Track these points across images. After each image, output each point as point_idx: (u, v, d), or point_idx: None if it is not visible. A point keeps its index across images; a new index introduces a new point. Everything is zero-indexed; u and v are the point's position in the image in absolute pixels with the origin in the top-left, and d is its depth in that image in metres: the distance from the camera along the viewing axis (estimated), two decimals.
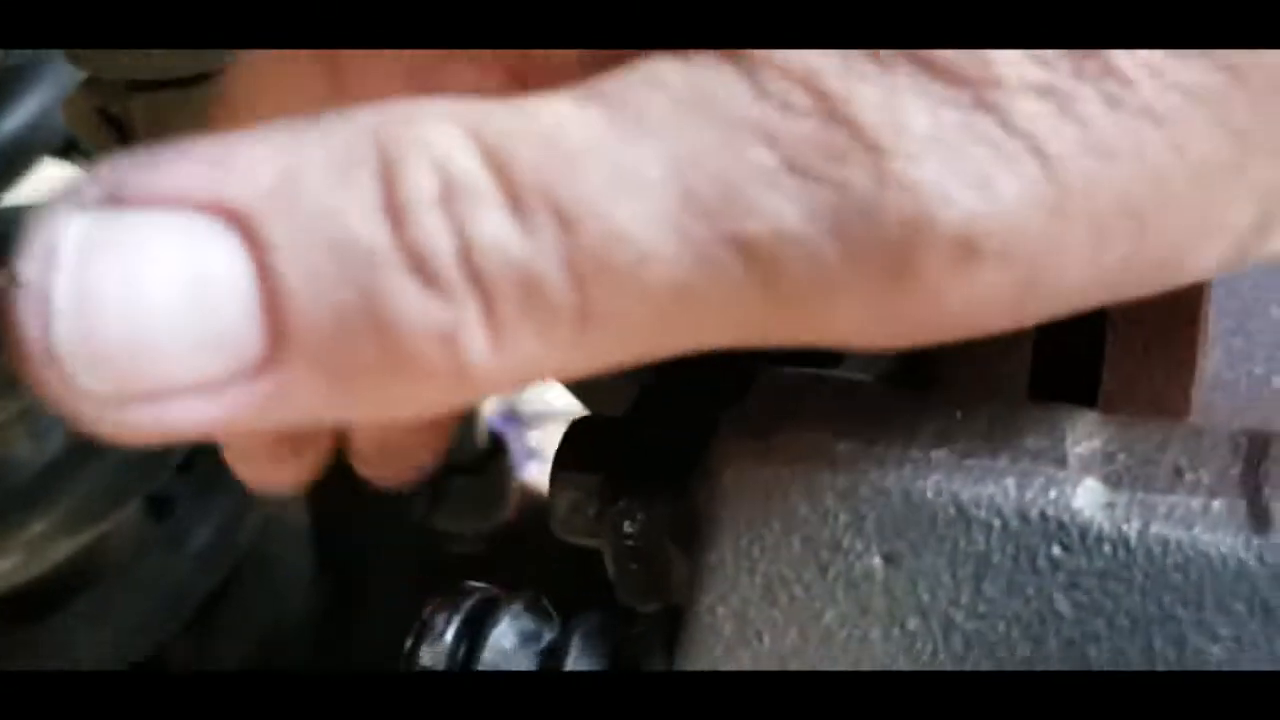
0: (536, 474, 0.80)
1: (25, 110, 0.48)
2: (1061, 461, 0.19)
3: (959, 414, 0.20)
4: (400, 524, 0.67)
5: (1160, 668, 0.18)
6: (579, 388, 0.40)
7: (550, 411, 1.54)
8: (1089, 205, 0.16)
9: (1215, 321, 0.23)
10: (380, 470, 0.28)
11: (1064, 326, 0.21)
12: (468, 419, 0.65)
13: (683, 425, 0.29)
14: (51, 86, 0.49)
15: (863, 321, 0.16)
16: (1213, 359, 0.27)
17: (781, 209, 0.15)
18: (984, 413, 0.20)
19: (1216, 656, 0.17)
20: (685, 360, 0.32)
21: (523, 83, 0.19)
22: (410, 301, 0.15)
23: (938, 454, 0.19)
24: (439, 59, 0.20)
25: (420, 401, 0.17)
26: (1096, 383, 0.22)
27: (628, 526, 0.29)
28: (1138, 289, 0.17)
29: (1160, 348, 0.22)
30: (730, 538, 0.20)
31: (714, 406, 0.26)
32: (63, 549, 0.53)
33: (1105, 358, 0.22)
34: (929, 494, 0.19)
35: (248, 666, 0.63)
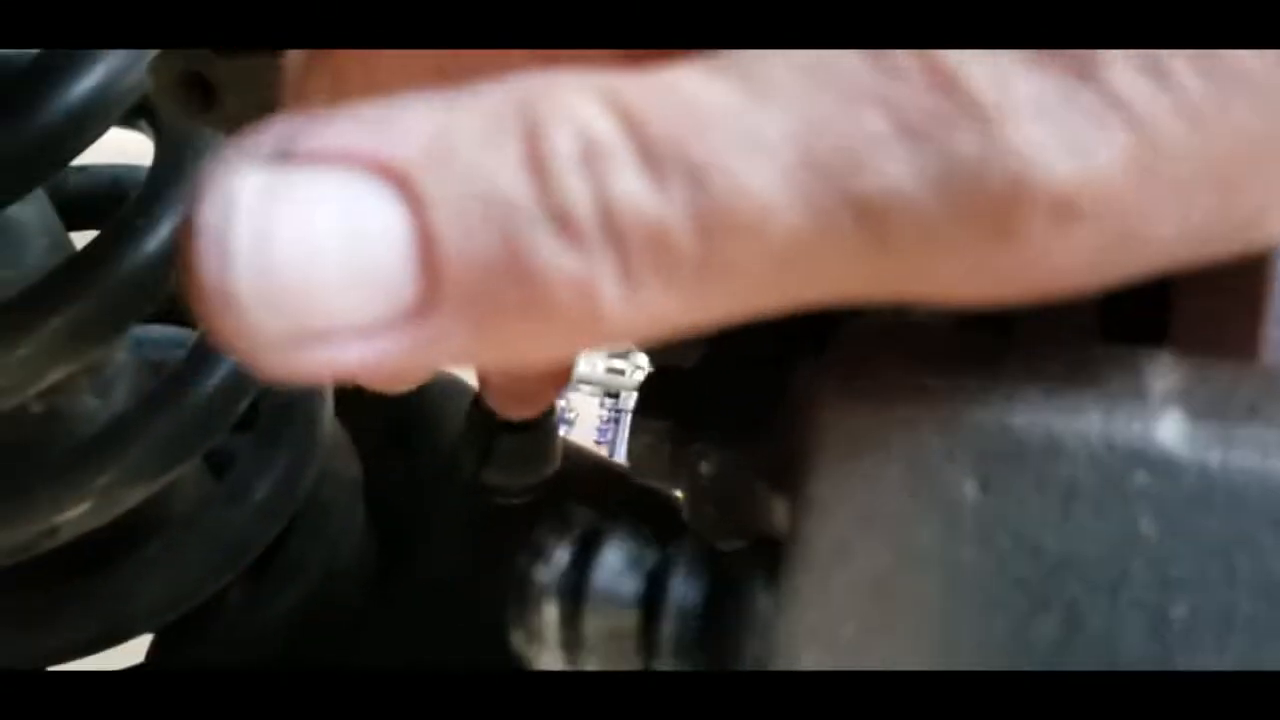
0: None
1: (95, 76, 0.50)
2: (1143, 396, 0.20)
3: (1038, 356, 0.21)
4: (449, 478, 0.68)
5: (1240, 587, 0.19)
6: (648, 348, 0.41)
7: (581, 377, 1.56)
8: (1178, 168, 0.17)
9: None
10: (511, 407, 0.32)
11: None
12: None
13: (752, 374, 0.30)
14: (119, 54, 0.50)
15: (964, 277, 0.18)
16: None
17: (894, 170, 0.17)
18: (1063, 354, 0.21)
19: None
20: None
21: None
22: (551, 253, 0.17)
23: (1026, 388, 0.20)
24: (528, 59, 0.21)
25: (555, 346, 0.18)
26: (1166, 325, 0.23)
27: (704, 467, 0.30)
28: (1223, 248, 0.19)
29: (1229, 290, 0.23)
30: (828, 472, 0.21)
31: (783, 356, 0.28)
32: (130, 499, 0.55)
33: (1174, 301, 0.23)
34: (1020, 426, 0.20)
35: (299, 615, 0.65)
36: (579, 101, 0.17)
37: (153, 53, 0.51)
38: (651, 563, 0.23)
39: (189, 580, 0.59)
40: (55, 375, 0.52)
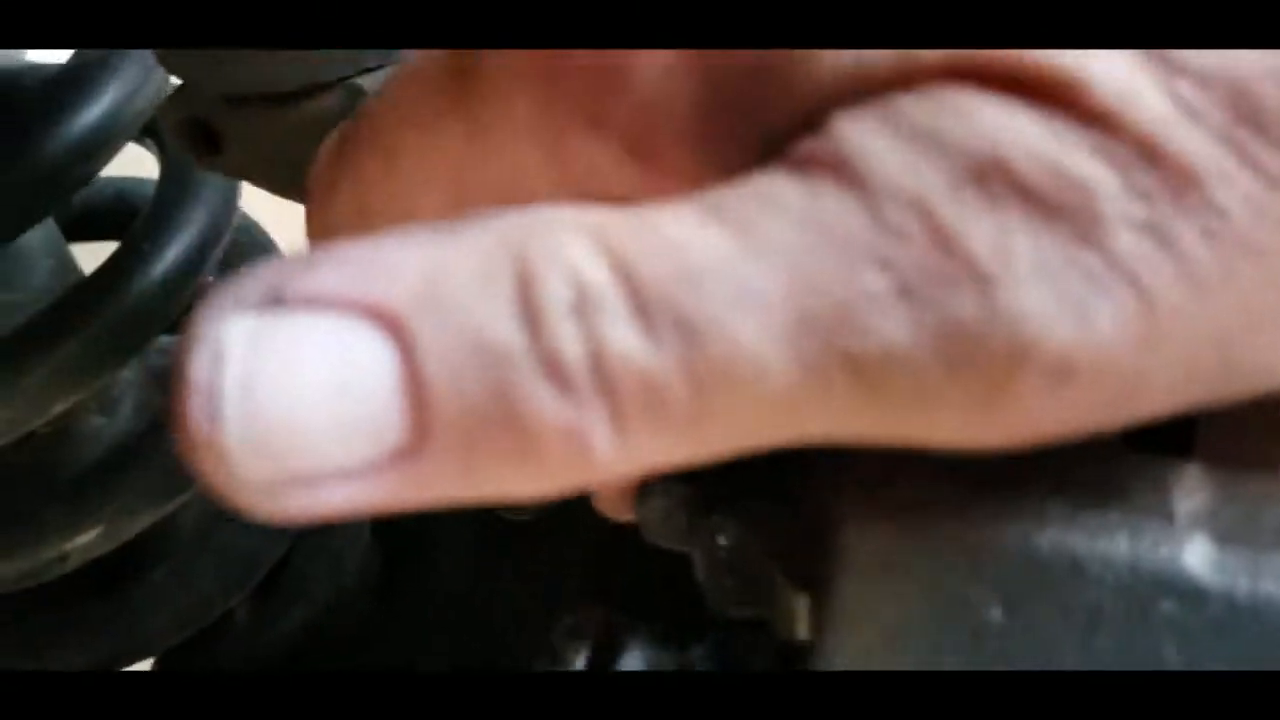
0: None
1: (110, 96, 0.50)
2: (1170, 517, 0.20)
3: (1065, 464, 0.21)
4: None
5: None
6: None
7: None
8: (1180, 334, 0.17)
9: None
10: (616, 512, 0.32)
11: None
12: None
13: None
14: (133, 73, 0.50)
15: (958, 431, 0.18)
16: None
17: (891, 329, 0.17)
18: (1090, 464, 0.21)
19: None
20: None
21: (636, 154, 0.20)
22: (543, 401, 0.17)
23: (1051, 507, 0.20)
24: (563, 129, 0.21)
25: (545, 487, 0.18)
26: (1191, 435, 0.23)
27: (722, 539, 0.30)
28: (1227, 398, 0.19)
29: (1255, 402, 0.23)
30: (853, 588, 0.21)
31: None
32: (141, 523, 0.55)
33: (1196, 418, 0.23)
34: (1045, 548, 0.20)
35: (307, 630, 0.65)
36: (571, 245, 0.17)
37: (160, 75, 0.51)
38: (672, 669, 0.23)
39: (199, 601, 0.59)
40: (63, 405, 0.52)
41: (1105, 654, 0.20)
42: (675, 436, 0.17)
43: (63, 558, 0.53)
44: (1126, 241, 0.16)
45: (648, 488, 0.33)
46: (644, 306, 0.17)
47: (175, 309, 0.55)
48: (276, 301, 0.17)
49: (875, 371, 0.17)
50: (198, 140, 0.36)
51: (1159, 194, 0.16)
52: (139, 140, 0.60)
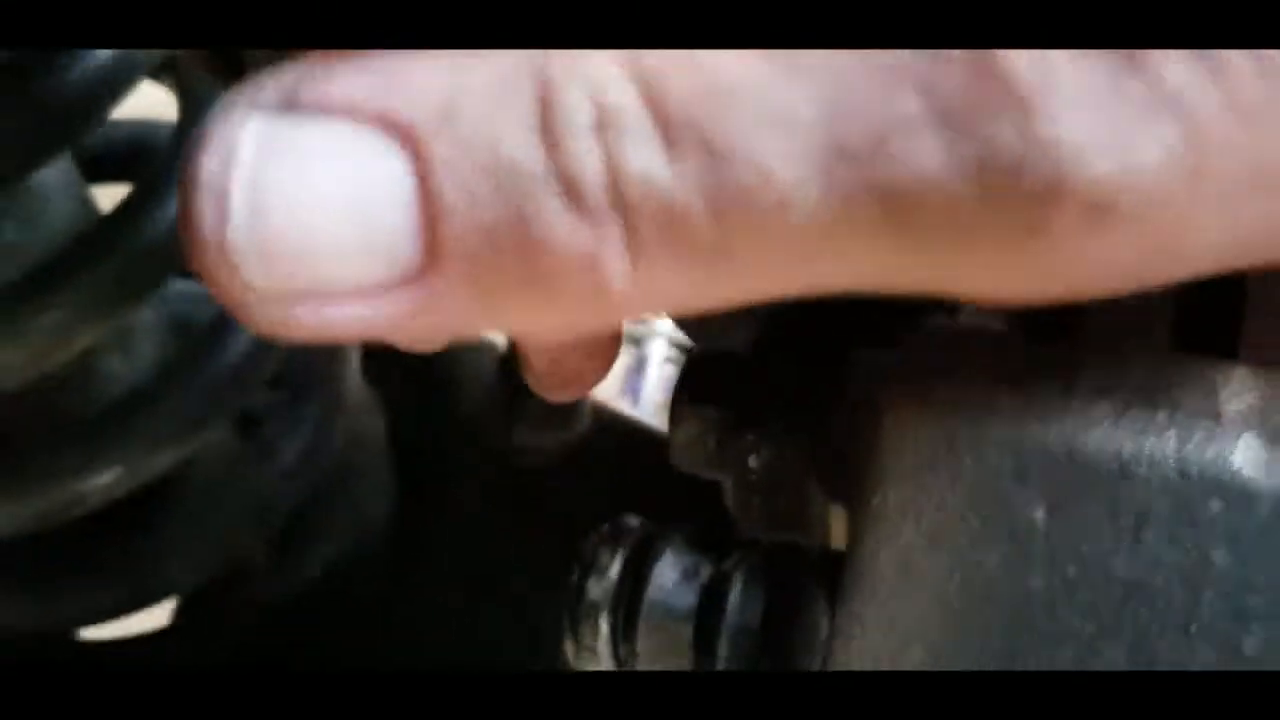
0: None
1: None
2: (1218, 417, 0.19)
3: (1110, 368, 0.21)
4: (476, 438, 0.68)
5: None
6: (687, 321, 0.40)
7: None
8: (1226, 169, 0.16)
9: None
10: (553, 390, 0.30)
11: (1200, 289, 0.22)
12: None
13: (809, 365, 0.29)
14: None
15: (992, 275, 0.17)
16: None
17: (927, 157, 0.16)
18: (1136, 366, 0.20)
19: None
20: (808, 301, 0.32)
21: None
22: (557, 223, 0.16)
23: (1098, 408, 0.20)
24: None
25: (561, 319, 0.17)
26: (1238, 333, 0.22)
27: (753, 461, 0.30)
28: (1268, 256, 0.18)
29: None
30: (895, 486, 0.20)
31: (839, 346, 0.27)
32: (158, 465, 0.55)
33: (1246, 309, 0.22)
34: (1091, 449, 0.19)
35: (328, 576, 0.65)
36: (597, 65, 0.16)
37: None
38: (707, 575, 0.23)
39: (218, 543, 0.59)
40: (81, 343, 0.52)
41: (1152, 555, 0.19)
42: (695, 269, 0.17)
43: (81, 498, 0.53)
44: (1175, 69, 0.16)
45: (679, 412, 0.32)
46: (668, 125, 0.16)
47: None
48: (291, 105, 0.17)
49: (908, 204, 0.16)
50: (222, 68, 0.36)
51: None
52: (158, 79, 0.60)
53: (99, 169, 0.62)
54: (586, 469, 0.66)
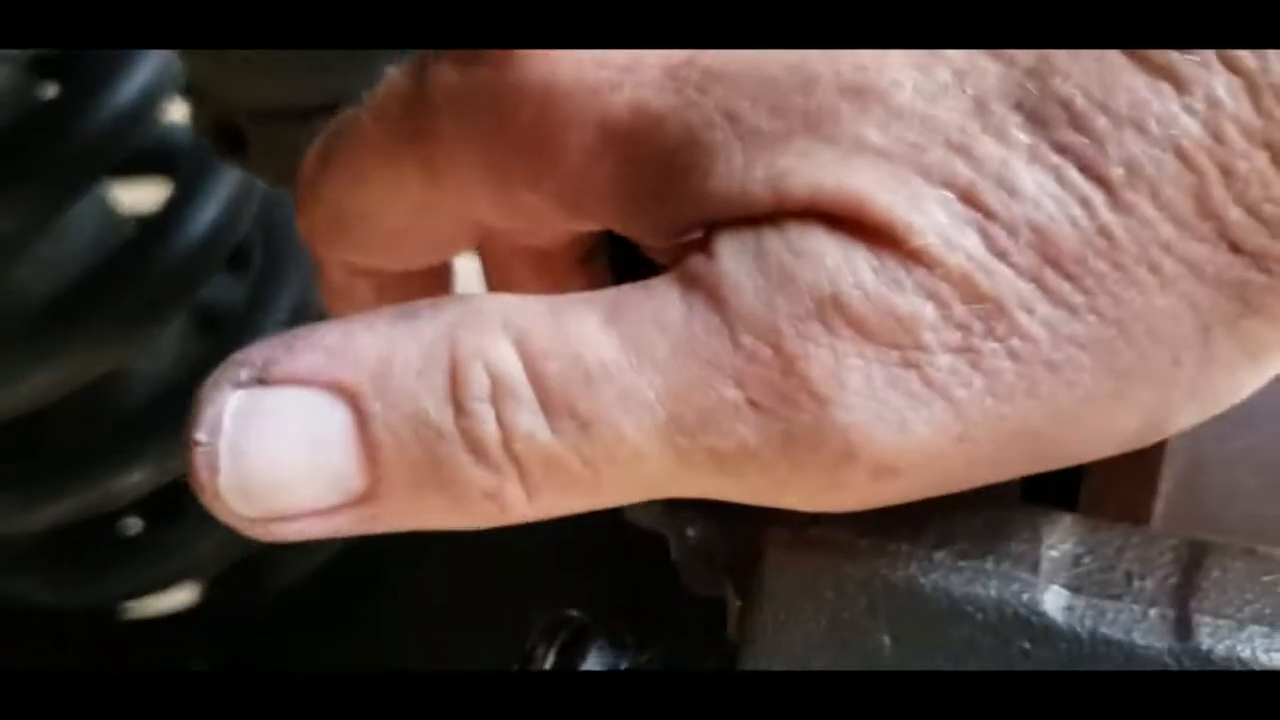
0: None
1: (145, 72, 0.53)
2: (1035, 567, 0.24)
3: (958, 515, 0.25)
4: None
5: None
6: None
7: None
8: (989, 435, 0.21)
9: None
10: None
11: None
12: None
13: None
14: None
15: (804, 506, 0.23)
16: None
17: (744, 434, 0.21)
18: (977, 517, 0.25)
19: None
20: None
21: (570, 208, 0.25)
22: (467, 469, 0.22)
23: (938, 554, 0.24)
24: (506, 183, 0.25)
25: (478, 525, 0.23)
26: (1078, 488, 0.26)
27: (690, 531, 0.34)
28: (1036, 469, 0.23)
29: (1129, 463, 0.26)
30: (771, 610, 0.25)
31: None
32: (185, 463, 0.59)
33: (1084, 469, 0.26)
34: (928, 590, 0.24)
35: (341, 564, 0.70)
36: (493, 342, 0.22)
37: None
38: (626, 668, 0.27)
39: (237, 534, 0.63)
40: (116, 358, 0.56)
41: None
42: (575, 497, 0.22)
43: (115, 496, 0.58)
44: (943, 364, 0.20)
45: None
46: (547, 400, 0.21)
47: (224, 252, 0.58)
48: (262, 381, 0.22)
49: (733, 464, 0.21)
50: (224, 143, 0.40)
51: (972, 323, 0.20)
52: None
53: (127, 167, 0.65)
54: None
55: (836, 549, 0.24)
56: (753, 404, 0.21)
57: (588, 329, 0.22)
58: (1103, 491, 0.26)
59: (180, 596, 0.68)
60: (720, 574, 0.33)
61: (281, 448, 0.22)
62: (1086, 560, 0.24)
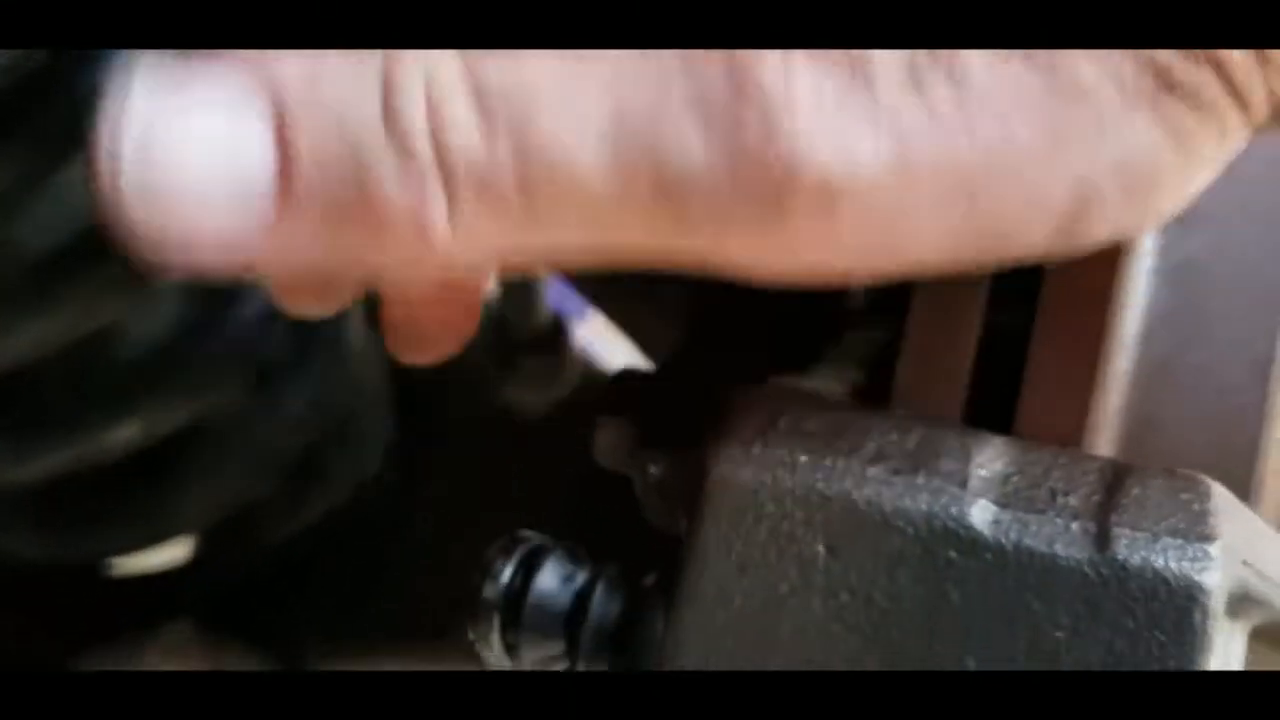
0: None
1: None
2: (964, 483, 0.25)
3: (895, 435, 0.26)
4: (472, 392, 0.73)
5: (1019, 646, 0.24)
6: (628, 326, 0.46)
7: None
8: (929, 171, 0.20)
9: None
10: (410, 351, 0.34)
11: (991, 368, 0.27)
12: (531, 302, 0.71)
13: (699, 395, 0.35)
14: None
15: (748, 253, 0.21)
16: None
17: (691, 149, 0.20)
18: (914, 434, 0.26)
19: (1059, 639, 0.24)
20: (717, 323, 0.38)
21: None
22: (389, 180, 0.20)
23: (872, 470, 0.25)
24: None
25: (394, 259, 0.22)
26: (1013, 412, 0.27)
27: (652, 469, 0.35)
28: (976, 257, 0.22)
29: (1064, 391, 0.27)
30: (713, 525, 0.26)
31: (731, 381, 0.32)
32: (176, 419, 0.60)
33: (1021, 393, 0.27)
34: (861, 504, 0.25)
35: (332, 515, 0.71)
36: (435, 60, 0.20)
37: None
38: (581, 582, 0.28)
39: (228, 488, 0.65)
40: (112, 313, 0.57)
41: (905, 589, 0.25)
42: (505, 225, 0.21)
43: (104, 451, 0.59)
44: (891, 89, 0.20)
45: (600, 421, 0.38)
46: (486, 109, 0.20)
47: None
48: (180, 78, 0.21)
49: (675, 186, 0.20)
50: None
51: (920, 55, 0.20)
52: None
53: None
54: (573, 421, 0.72)
55: (778, 464, 0.26)
56: (701, 116, 0.20)
57: (534, 51, 0.20)
58: (1037, 416, 0.27)
59: (170, 553, 0.69)
60: (677, 507, 0.35)
61: (190, 148, 0.20)
62: (1015, 478, 0.25)
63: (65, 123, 0.54)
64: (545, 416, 0.74)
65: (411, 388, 0.75)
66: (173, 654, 0.61)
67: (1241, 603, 0.25)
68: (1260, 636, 0.28)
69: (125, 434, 0.59)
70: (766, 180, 0.20)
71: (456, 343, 0.36)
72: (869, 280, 0.23)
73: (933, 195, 0.20)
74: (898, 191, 0.20)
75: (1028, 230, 0.22)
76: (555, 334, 0.72)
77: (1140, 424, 0.33)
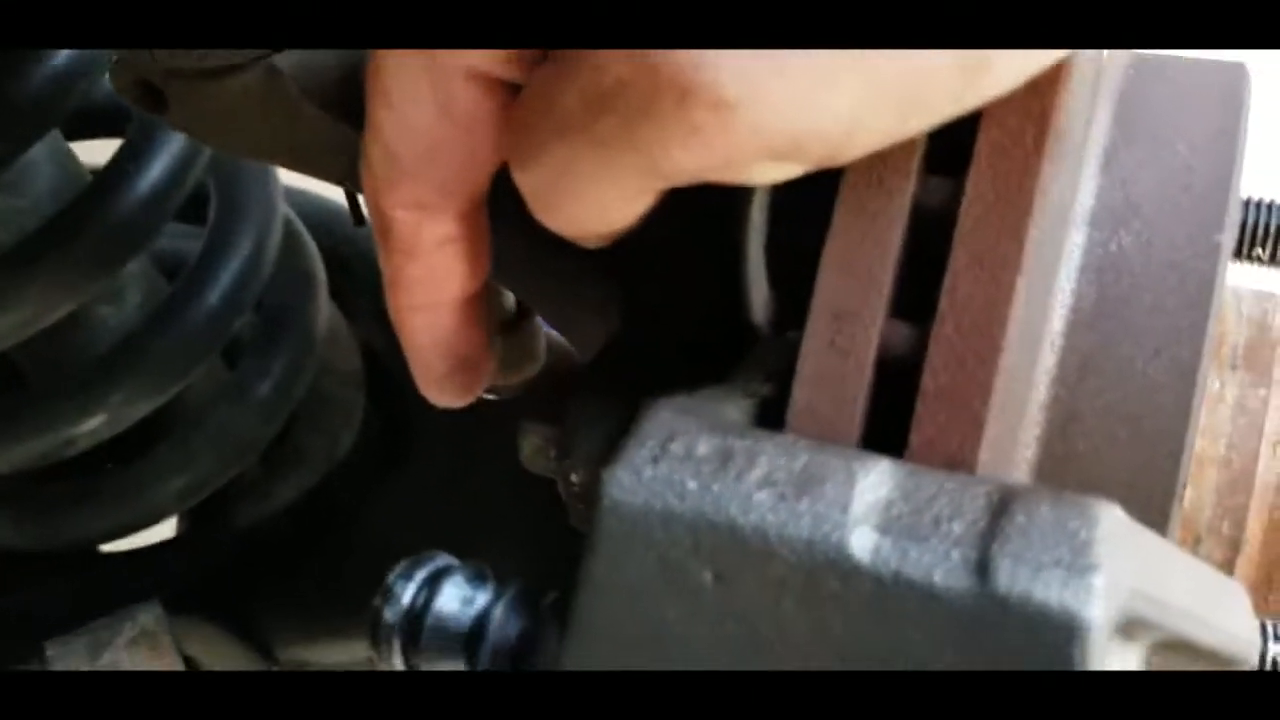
0: None
1: None
2: (846, 509, 0.25)
3: (783, 459, 0.26)
4: None
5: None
6: (565, 329, 0.46)
7: None
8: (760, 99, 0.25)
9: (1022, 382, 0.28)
10: (439, 388, 0.37)
11: (892, 393, 0.27)
12: (494, 288, 0.71)
13: (626, 395, 0.35)
14: None
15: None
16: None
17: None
18: (802, 458, 0.26)
19: (939, 668, 0.23)
20: (640, 328, 0.38)
21: None
22: None
23: (758, 495, 0.25)
24: None
25: None
26: (907, 431, 0.27)
27: (574, 477, 0.35)
28: (833, 155, 0.26)
29: (955, 416, 0.27)
30: (605, 550, 0.26)
31: (657, 379, 0.32)
32: (145, 408, 0.61)
33: (913, 419, 0.27)
34: (747, 530, 0.25)
35: (306, 496, 0.71)
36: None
37: None
38: (482, 603, 0.28)
39: (200, 475, 0.65)
40: (73, 304, 0.57)
41: (789, 617, 0.25)
42: None
43: (70, 442, 0.59)
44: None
45: (525, 426, 0.38)
46: None
47: (178, 202, 0.60)
48: None
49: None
50: (146, 99, 0.41)
51: None
52: None
53: (79, 126, 0.66)
54: (545, 407, 0.72)
55: (667, 489, 0.25)
56: None
57: None
58: (928, 442, 0.27)
59: (149, 536, 0.70)
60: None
61: None
62: (898, 504, 0.25)
63: (14, 117, 0.54)
64: (517, 398, 0.73)
65: (384, 371, 0.75)
66: (144, 637, 0.61)
67: (1134, 627, 0.25)
68: (1171, 647, 0.27)
69: (94, 424, 0.59)
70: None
71: (484, 377, 0.38)
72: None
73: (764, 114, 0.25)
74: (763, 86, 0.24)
75: (816, 136, 0.25)
76: (522, 317, 0.72)
77: (1064, 420, 0.33)
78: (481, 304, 0.36)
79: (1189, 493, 0.39)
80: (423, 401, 0.75)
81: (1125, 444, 0.33)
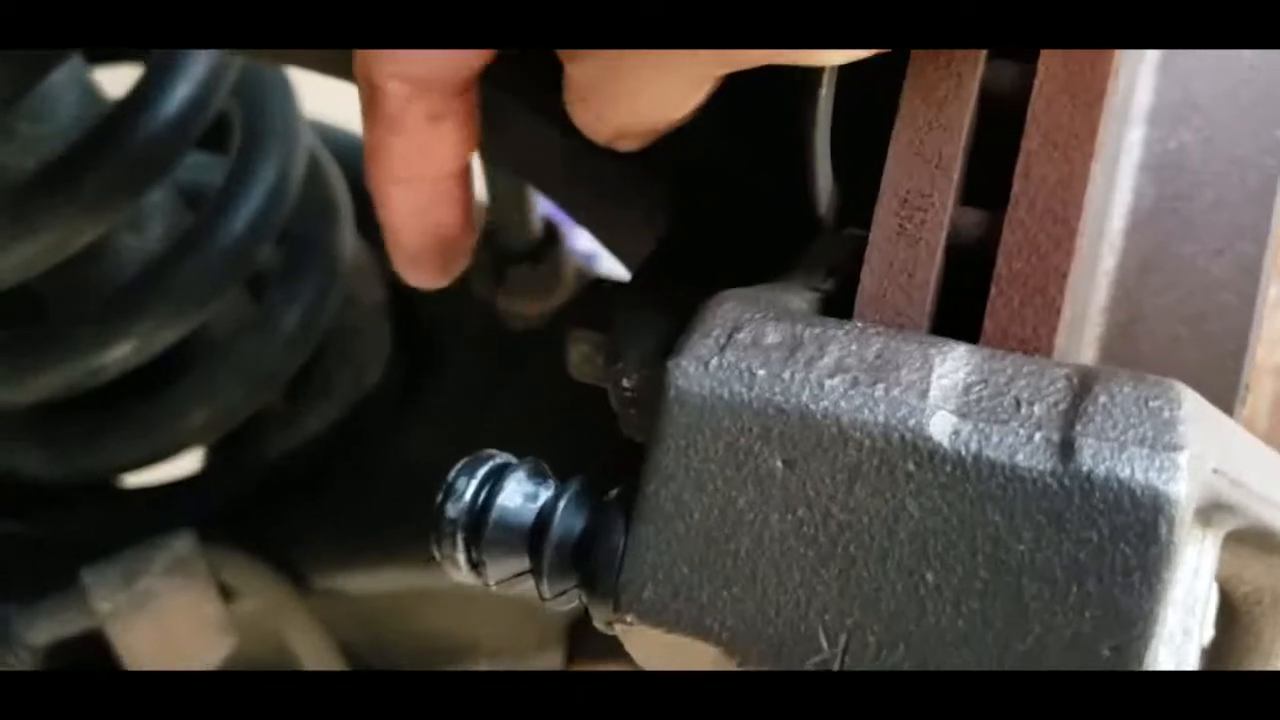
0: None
1: None
2: (925, 394, 0.24)
3: (855, 346, 0.25)
4: (469, 303, 0.73)
5: (979, 560, 0.23)
6: (606, 238, 0.45)
7: None
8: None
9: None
10: (417, 269, 0.37)
11: (961, 279, 0.27)
12: (522, 212, 0.70)
13: (672, 304, 0.34)
14: None
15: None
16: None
17: None
18: (875, 345, 0.25)
19: (1021, 553, 0.23)
20: (689, 231, 0.37)
21: None
22: None
23: (830, 382, 0.24)
24: None
25: None
26: (980, 319, 0.27)
27: (625, 382, 0.35)
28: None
29: (1030, 301, 0.26)
30: (672, 439, 0.25)
31: (710, 278, 0.31)
32: (170, 336, 0.60)
33: (987, 305, 0.26)
34: (818, 416, 0.24)
35: (334, 428, 0.71)
36: None
37: None
38: (544, 499, 0.28)
39: (226, 406, 0.65)
40: (98, 231, 0.57)
41: (862, 503, 0.24)
42: None
43: (97, 371, 0.59)
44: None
45: (573, 334, 0.37)
46: None
47: (199, 128, 0.59)
48: None
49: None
50: None
51: None
52: None
53: (99, 51, 0.65)
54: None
55: (735, 378, 0.25)
56: None
57: None
58: (1003, 327, 0.27)
59: (174, 468, 0.69)
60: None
61: None
62: (977, 388, 0.24)
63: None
64: (542, 327, 0.73)
65: (409, 301, 0.74)
66: (179, 564, 0.61)
67: (1213, 511, 0.24)
68: (1241, 539, 0.27)
69: (121, 352, 0.59)
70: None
71: (461, 257, 0.37)
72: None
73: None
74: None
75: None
76: (548, 243, 0.71)
77: (1125, 321, 0.32)
78: (464, 181, 0.36)
79: (1253, 393, 0.38)
80: (450, 330, 0.75)
81: (1187, 343, 0.32)
